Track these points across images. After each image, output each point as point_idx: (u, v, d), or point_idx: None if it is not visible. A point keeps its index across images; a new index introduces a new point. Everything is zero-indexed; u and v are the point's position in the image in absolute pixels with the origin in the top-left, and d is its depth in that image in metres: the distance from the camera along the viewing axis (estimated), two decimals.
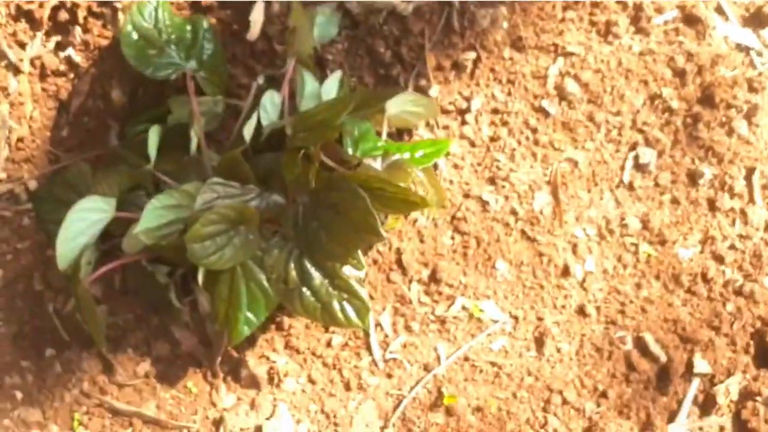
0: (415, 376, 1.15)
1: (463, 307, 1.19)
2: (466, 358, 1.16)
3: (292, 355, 1.15)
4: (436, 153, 1.05)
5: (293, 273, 0.99)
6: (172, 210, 1.00)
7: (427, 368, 1.15)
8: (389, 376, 1.14)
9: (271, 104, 0.99)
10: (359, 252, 0.96)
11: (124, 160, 1.10)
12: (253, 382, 1.13)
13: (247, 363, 1.14)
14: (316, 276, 0.99)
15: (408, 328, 1.17)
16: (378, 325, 1.17)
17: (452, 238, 1.22)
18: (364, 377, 1.14)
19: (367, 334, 1.16)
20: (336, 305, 0.98)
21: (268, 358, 1.15)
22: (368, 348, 1.16)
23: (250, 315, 1.01)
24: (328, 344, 1.16)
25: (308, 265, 0.99)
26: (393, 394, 1.13)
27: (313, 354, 1.15)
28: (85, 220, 0.99)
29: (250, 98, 1.08)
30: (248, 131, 0.99)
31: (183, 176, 1.05)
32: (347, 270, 0.98)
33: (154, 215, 0.97)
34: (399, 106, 1.08)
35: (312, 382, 1.14)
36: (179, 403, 1.13)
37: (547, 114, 1.26)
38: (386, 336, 1.17)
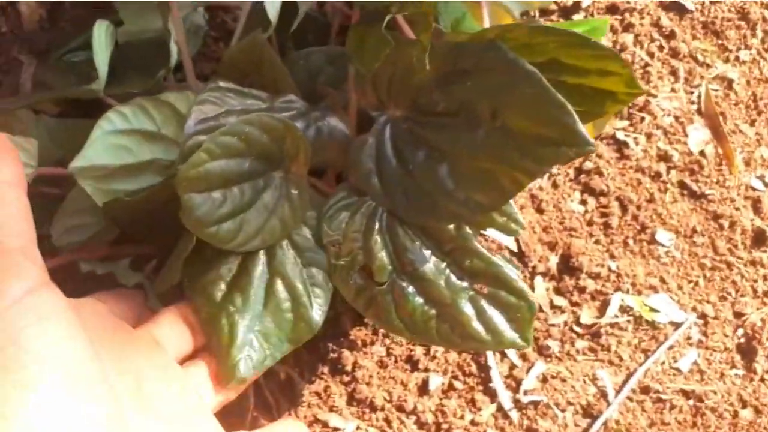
0: (572, 426, 0.68)
1: (623, 308, 0.73)
2: (646, 389, 0.69)
3: (363, 414, 0.67)
4: (593, 34, 0.61)
5: (382, 254, 0.52)
6: (142, 140, 0.51)
7: (588, 412, 0.68)
8: (530, 431, 0.67)
9: None
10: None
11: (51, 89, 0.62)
12: None
13: None
14: (426, 255, 0.52)
15: (543, 351, 0.70)
16: (500, 351, 0.70)
17: (583, 202, 0.77)
18: None
19: (481, 368, 0.69)
20: (468, 309, 0.52)
21: (324, 424, 0.66)
22: (487, 389, 0.68)
23: (261, 345, 0.52)
24: (422, 390, 0.68)
25: (409, 236, 0.52)
26: None
27: (400, 409, 0.67)
28: None
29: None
30: (273, 8, 0.53)
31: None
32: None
33: (106, 144, 0.49)
34: None
35: None
36: None
37: (682, 11, 0.84)
38: (512, 366, 0.70)
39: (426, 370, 0.68)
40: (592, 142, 0.43)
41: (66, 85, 0.58)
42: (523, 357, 0.70)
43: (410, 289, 0.52)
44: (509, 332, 0.51)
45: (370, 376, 0.67)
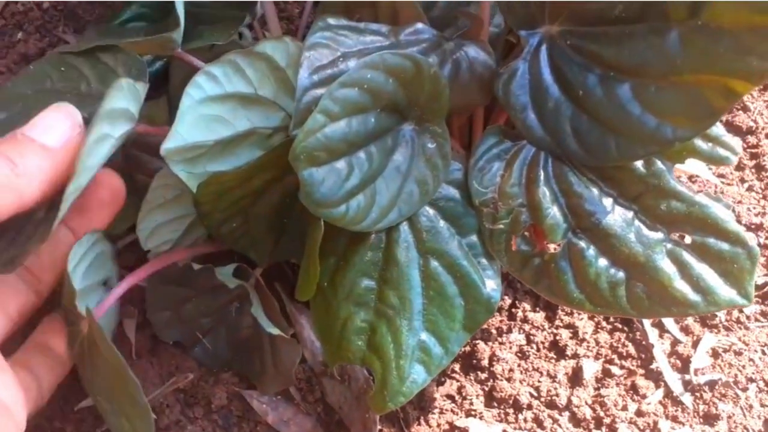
0: (758, 407, 0.57)
1: None
2: None
3: (507, 416, 0.56)
4: None
5: (553, 209, 0.42)
6: (238, 105, 0.41)
7: None
8: (710, 418, 0.56)
9: None
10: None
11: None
12: None
13: None
14: (608, 205, 0.42)
15: (708, 321, 0.59)
16: (657, 324, 0.60)
17: None
18: (663, 430, 0.56)
19: (640, 347, 0.58)
20: (667, 266, 0.41)
21: None
22: (650, 372, 0.57)
23: (434, 343, 0.43)
24: (574, 380, 0.57)
25: (584, 182, 0.42)
26: None
27: (551, 405, 0.56)
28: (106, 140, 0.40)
29: None
30: None
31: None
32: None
33: (197, 115, 0.39)
34: None
35: None
36: None
37: None
38: (675, 342, 0.59)
39: (575, 356, 0.57)
40: None
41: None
42: (686, 330, 0.59)
43: (591, 250, 0.41)
44: (724, 289, 0.40)
45: (511, 370, 0.56)
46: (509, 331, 0.57)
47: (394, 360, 0.42)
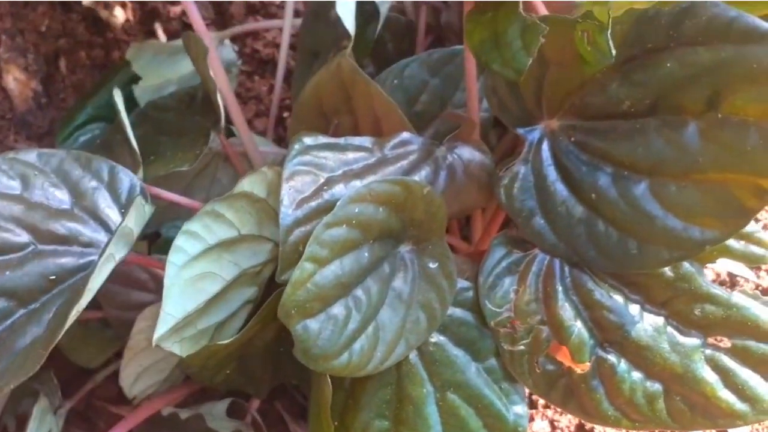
0: None
1: None
2: None
3: None
4: None
5: (576, 324, 0.38)
6: (223, 252, 0.37)
7: None
8: None
9: None
10: None
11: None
12: None
13: None
14: (635, 313, 0.38)
15: None
16: None
17: None
18: None
19: None
20: (708, 374, 0.37)
21: None
22: None
23: None
24: None
25: (606, 290, 0.38)
26: None
27: None
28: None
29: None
30: (348, 13, 0.38)
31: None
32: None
33: (183, 282, 0.35)
34: None
35: None
36: None
37: None
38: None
39: None
40: None
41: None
42: None
43: (622, 364, 0.37)
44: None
45: None
46: (531, 419, 0.53)
47: None
